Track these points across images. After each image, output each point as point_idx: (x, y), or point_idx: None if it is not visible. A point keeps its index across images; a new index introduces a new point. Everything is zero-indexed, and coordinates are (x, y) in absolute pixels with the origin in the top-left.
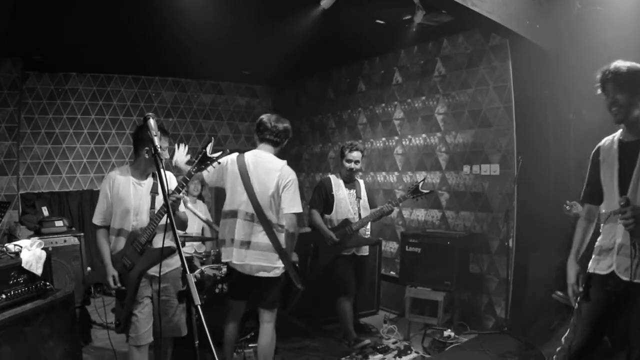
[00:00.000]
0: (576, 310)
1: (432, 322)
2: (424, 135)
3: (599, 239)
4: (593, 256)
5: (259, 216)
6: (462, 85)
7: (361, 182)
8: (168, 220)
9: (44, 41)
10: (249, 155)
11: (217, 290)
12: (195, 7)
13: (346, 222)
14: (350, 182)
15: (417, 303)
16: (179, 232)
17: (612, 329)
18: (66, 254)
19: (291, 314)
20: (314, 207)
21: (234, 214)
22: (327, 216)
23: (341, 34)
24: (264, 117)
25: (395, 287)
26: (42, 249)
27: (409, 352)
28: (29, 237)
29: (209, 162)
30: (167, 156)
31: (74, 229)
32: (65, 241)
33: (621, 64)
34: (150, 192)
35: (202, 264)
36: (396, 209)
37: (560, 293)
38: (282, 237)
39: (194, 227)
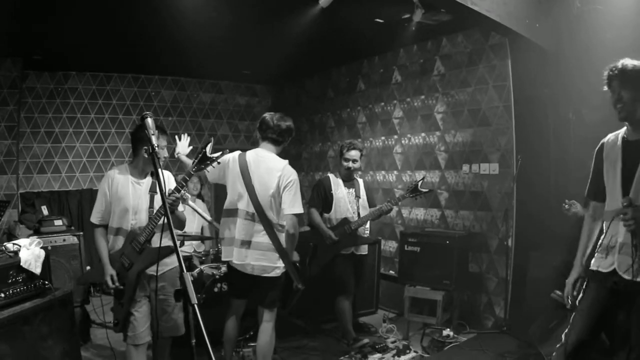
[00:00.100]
0: (577, 307)
1: (431, 322)
2: (423, 134)
3: (602, 237)
4: (596, 254)
5: (260, 216)
6: (461, 84)
7: (360, 181)
8: (166, 220)
9: (43, 41)
10: (250, 154)
11: (216, 290)
12: (194, 6)
13: (345, 221)
14: (349, 181)
15: (416, 302)
16: (178, 232)
17: (611, 328)
18: (65, 253)
19: (290, 313)
20: (313, 206)
21: (234, 213)
22: (326, 215)
23: (341, 32)
24: (267, 115)
25: (394, 286)
26: (41, 248)
27: (407, 351)
28: (28, 236)
29: (208, 162)
30: (166, 154)
31: (73, 228)
32: (64, 240)
33: (628, 62)
34: (149, 191)
35: (201, 263)
36: (395, 208)
37: (558, 292)
38: (282, 237)
39: (193, 226)
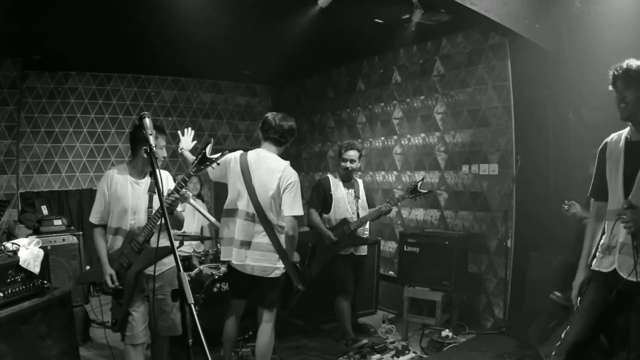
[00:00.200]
0: (577, 307)
1: (430, 322)
2: (422, 135)
3: (603, 237)
4: (597, 254)
5: (260, 216)
6: (461, 85)
7: (360, 181)
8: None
9: (43, 41)
10: (251, 155)
11: (215, 290)
12: (194, 6)
13: (344, 221)
14: (348, 181)
15: (416, 303)
16: (177, 232)
17: (611, 329)
18: (65, 252)
19: (290, 313)
20: (312, 207)
21: (234, 214)
22: (325, 216)
23: (340, 33)
24: (269, 115)
25: (393, 287)
26: (41, 247)
27: (406, 352)
28: (27, 236)
29: (208, 163)
30: (165, 154)
31: (72, 227)
32: (64, 240)
33: (633, 62)
34: (148, 191)
35: (201, 263)
36: (395, 209)
37: (558, 294)
38: (283, 238)
39: (192, 226)
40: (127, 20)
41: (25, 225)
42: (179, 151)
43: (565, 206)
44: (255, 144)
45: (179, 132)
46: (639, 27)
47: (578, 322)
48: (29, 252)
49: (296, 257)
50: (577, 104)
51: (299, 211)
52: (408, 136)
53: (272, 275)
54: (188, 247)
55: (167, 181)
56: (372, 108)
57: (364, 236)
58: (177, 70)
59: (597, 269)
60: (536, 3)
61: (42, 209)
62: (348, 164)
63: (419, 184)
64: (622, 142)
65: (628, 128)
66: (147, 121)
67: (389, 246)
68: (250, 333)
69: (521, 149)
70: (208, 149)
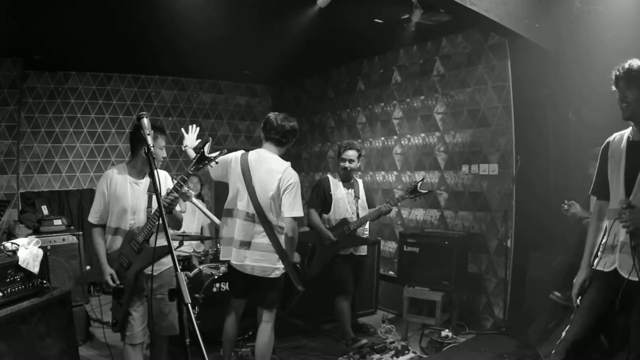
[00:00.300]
0: (578, 306)
1: (430, 322)
2: (422, 135)
3: (605, 236)
4: (598, 253)
5: (260, 217)
6: (460, 85)
7: (360, 181)
8: (161, 220)
9: (43, 41)
10: (252, 155)
11: (214, 289)
12: (194, 6)
13: (344, 221)
14: (347, 181)
15: (415, 303)
16: (176, 231)
17: (611, 329)
18: (65, 252)
19: (290, 313)
20: (312, 207)
21: (234, 214)
22: (325, 216)
23: (340, 33)
24: (271, 115)
25: (393, 287)
26: (40, 247)
27: (406, 352)
28: (27, 236)
29: (207, 162)
30: (165, 154)
31: (72, 227)
32: (63, 240)
33: (634, 62)
34: (148, 191)
35: (201, 263)
36: (395, 209)
37: (557, 294)
38: (282, 239)
39: (192, 226)
40: (127, 20)
41: (25, 225)
42: (183, 148)
43: (565, 206)
44: (256, 144)
45: (183, 129)
46: (639, 27)
47: (578, 322)
48: (28, 251)
49: (297, 257)
50: (577, 104)
51: (299, 212)
52: (408, 136)
53: (271, 276)
54: (188, 247)
55: (166, 181)
56: (372, 108)
57: (364, 236)
58: (177, 70)
59: (599, 268)
60: (536, 3)
61: (43, 209)
62: (347, 164)
63: (418, 184)
64: (624, 142)
65: (630, 128)
66: (145, 121)
67: (389, 246)
68: (250, 333)
69: (521, 149)
70: (206, 148)
